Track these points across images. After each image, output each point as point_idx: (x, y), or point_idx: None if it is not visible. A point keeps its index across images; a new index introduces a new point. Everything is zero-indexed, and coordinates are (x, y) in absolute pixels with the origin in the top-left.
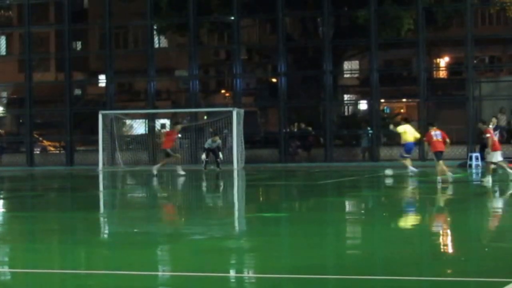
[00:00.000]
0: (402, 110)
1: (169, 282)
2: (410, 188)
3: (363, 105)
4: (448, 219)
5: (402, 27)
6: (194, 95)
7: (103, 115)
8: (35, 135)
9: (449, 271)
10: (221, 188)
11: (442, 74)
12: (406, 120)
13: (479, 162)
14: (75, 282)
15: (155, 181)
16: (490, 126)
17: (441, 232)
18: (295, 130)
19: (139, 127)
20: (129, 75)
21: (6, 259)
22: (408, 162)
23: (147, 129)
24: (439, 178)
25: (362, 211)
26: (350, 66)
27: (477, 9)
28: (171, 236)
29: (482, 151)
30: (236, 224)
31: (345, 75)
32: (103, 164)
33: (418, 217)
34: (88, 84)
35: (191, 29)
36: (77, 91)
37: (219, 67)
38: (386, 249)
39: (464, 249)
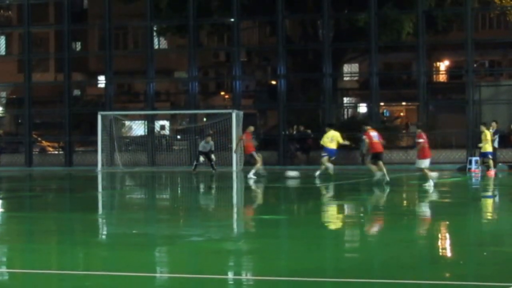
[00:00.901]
0: (401, 114)
1: (167, 284)
2: (410, 192)
3: (362, 108)
4: (448, 222)
5: (402, 31)
6: (194, 97)
7: (102, 116)
8: (34, 136)
9: (447, 274)
10: (219, 190)
11: (442, 77)
12: (331, 126)
13: (479, 166)
14: (72, 283)
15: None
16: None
17: (440, 235)
18: (294, 132)
19: (138, 128)
20: (129, 76)
21: (4, 259)
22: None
23: (146, 130)
24: (385, 177)
25: (361, 214)
26: (350, 69)
27: (478, 13)
28: (170, 238)
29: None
30: (235, 226)
31: (345, 78)
32: (102, 165)
33: (417, 220)
34: (88, 85)
35: (191, 31)
36: (76, 92)
37: (218, 69)
38: (385, 252)
39: (463, 253)
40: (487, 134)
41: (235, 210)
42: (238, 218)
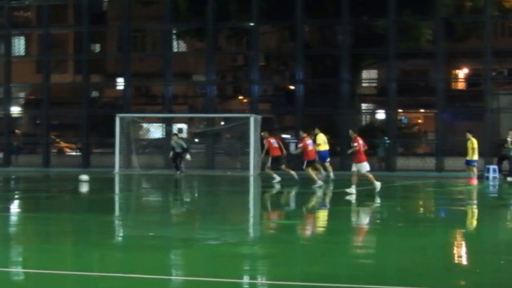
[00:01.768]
0: (419, 121)
1: (182, 287)
2: (425, 199)
3: (380, 115)
4: (464, 230)
5: (421, 37)
6: (211, 101)
7: (120, 118)
8: (52, 136)
9: (462, 282)
10: (236, 194)
11: (460, 85)
12: (319, 128)
13: (497, 175)
14: (87, 284)
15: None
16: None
17: (457, 242)
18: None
19: (155, 131)
20: (147, 79)
21: (20, 259)
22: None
23: (163, 133)
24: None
25: (377, 221)
26: (368, 75)
27: (497, 21)
28: (185, 241)
29: (500, 163)
30: (251, 230)
31: (363, 84)
32: (119, 167)
33: (433, 227)
34: (105, 87)
35: (209, 34)
36: (94, 93)
37: (236, 73)
38: (400, 259)
39: (479, 261)
40: (474, 142)
41: (251, 214)
42: (254, 222)
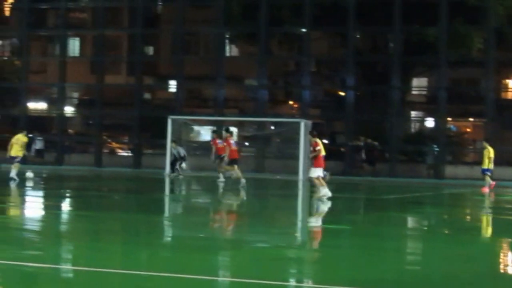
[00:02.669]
0: (468, 129)
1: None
2: (473, 207)
3: (429, 122)
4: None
5: (472, 46)
6: (262, 105)
7: (172, 120)
8: (104, 137)
9: None
10: (284, 198)
11: (510, 95)
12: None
13: None
14: (135, 283)
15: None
16: None
17: (503, 251)
18: (361, 143)
19: (206, 133)
20: (198, 82)
21: (70, 256)
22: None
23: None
24: (243, 181)
25: (424, 228)
26: (418, 83)
27: None
28: (234, 243)
29: None
30: (299, 234)
31: (413, 92)
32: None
33: (480, 236)
34: (158, 89)
35: (262, 39)
36: (147, 95)
37: (287, 77)
38: (446, 266)
39: None
40: (490, 151)
41: (299, 218)
42: (302, 226)
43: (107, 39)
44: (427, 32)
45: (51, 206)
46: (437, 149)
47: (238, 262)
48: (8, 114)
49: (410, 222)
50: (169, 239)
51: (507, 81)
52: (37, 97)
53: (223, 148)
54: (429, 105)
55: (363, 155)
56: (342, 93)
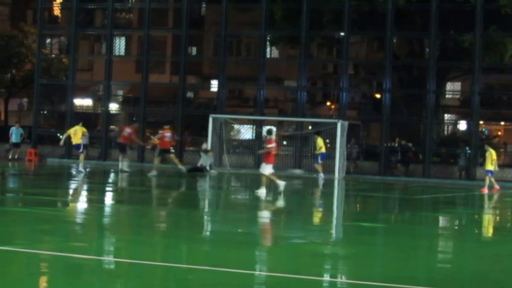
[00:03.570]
0: (499, 133)
1: (264, 281)
2: (503, 208)
3: (462, 125)
4: None
5: (505, 53)
6: (301, 105)
7: (214, 119)
8: (147, 133)
9: None
10: (321, 196)
11: None
12: (319, 134)
13: None
14: (175, 275)
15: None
16: None
17: None
18: (396, 145)
19: (246, 132)
20: (240, 82)
21: (112, 248)
22: (320, 168)
23: (254, 134)
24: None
25: (455, 227)
26: (453, 87)
27: None
28: (272, 238)
29: None
30: (334, 231)
31: (447, 96)
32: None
33: (510, 235)
34: (201, 88)
35: (302, 42)
36: (190, 94)
37: (326, 80)
38: (477, 265)
39: None
40: (493, 153)
41: (335, 215)
42: (337, 223)
43: (153, 39)
44: (463, 38)
45: (97, 199)
46: (469, 151)
47: (276, 257)
48: (55, 110)
49: (442, 221)
50: (209, 233)
51: None
52: (84, 94)
53: (167, 142)
54: (462, 109)
55: (398, 156)
56: (378, 96)
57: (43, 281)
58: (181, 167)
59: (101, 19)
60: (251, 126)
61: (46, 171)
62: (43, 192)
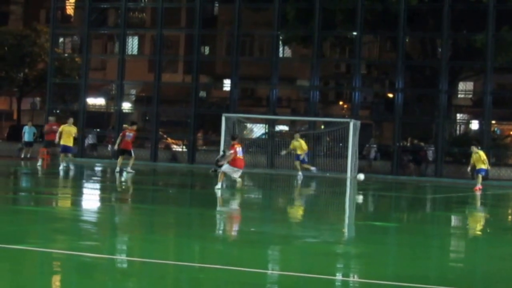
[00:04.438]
0: (511, 132)
1: (277, 280)
2: None
3: (474, 125)
4: None
5: None
6: (314, 105)
7: (226, 118)
8: (160, 132)
9: None
10: (333, 195)
11: None
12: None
13: None
14: (188, 274)
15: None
16: None
17: None
18: (408, 144)
19: (259, 131)
20: (253, 81)
21: (125, 247)
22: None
23: (267, 134)
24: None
25: (467, 226)
26: (465, 87)
27: None
28: (284, 237)
29: None
30: (346, 230)
31: (459, 95)
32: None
33: None
34: (213, 88)
35: (315, 42)
36: (202, 93)
37: (339, 79)
38: (489, 264)
39: None
40: (481, 154)
41: (347, 215)
42: (349, 223)
43: (165, 38)
44: (475, 38)
45: (109, 198)
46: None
47: (288, 256)
48: (68, 109)
49: (454, 221)
50: (221, 232)
51: None
52: (96, 93)
53: (127, 142)
54: (474, 109)
55: (410, 156)
56: (391, 95)
57: (56, 280)
58: (118, 168)
59: (114, 19)
60: (264, 125)
61: (57, 170)
62: (54, 191)
